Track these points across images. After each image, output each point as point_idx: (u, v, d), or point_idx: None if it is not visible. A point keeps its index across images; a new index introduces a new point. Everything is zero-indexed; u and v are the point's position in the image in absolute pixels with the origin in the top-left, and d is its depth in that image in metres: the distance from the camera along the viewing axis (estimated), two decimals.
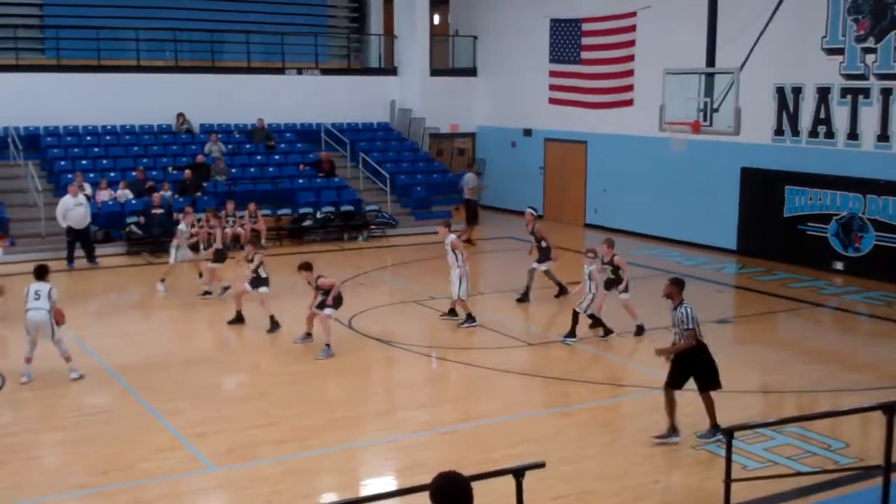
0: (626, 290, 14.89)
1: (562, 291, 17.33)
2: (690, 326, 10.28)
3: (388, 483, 9.69)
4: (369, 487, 9.63)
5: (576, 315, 14.52)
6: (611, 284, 14.92)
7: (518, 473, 6.15)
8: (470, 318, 15.51)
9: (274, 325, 15.09)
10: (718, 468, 7.93)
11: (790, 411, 11.78)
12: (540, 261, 17.25)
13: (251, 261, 15.31)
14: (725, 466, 7.00)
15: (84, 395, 12.38)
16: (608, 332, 14.75)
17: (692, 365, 10.38)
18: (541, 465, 6.51)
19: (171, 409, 11.47)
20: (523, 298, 17.17)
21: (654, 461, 10.00)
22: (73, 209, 20.24)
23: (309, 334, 14.42)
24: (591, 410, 11.67)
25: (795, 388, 12.49)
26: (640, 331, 14.88)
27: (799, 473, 9.49)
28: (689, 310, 10.36)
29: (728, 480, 6.96)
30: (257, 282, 15.29)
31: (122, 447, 10.34)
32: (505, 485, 6.21)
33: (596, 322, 14.81)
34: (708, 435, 10.39)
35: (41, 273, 12.61)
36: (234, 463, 9.93)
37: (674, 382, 10.46)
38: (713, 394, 10.44)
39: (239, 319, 15.51)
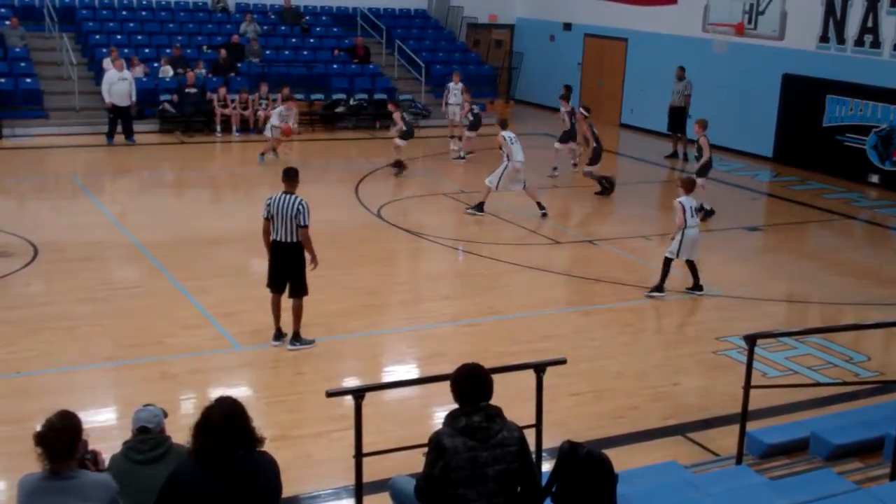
0: (701, 172, 15.39)
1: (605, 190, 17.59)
2: (305, 223, 9.47)
3: (409, 371, 9.86)
4: (391, 374, 9.80)
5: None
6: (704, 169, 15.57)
7: (539, 369, 6.22)
8: (479, 206, 15.73)
9: (400, 168, 18.07)
10: (738, 374, 7.97)
11: (814, 322, 11.77)
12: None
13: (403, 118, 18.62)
14: (745, 373, 7.02)
15: (115, 269, 12.59)
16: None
17: (290, 267, 9.75)
18: (562, 362, 6.57)
19: (200, 288, 11.62)
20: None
21: (674, 363, 10.08)
22: (117, 83, 20.23)
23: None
24: (614, 311, 11.71)
25: (821, 299, 12.46)
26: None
27: (818, 384, 9.53)
28: (302, 204, 9.45)
29: (747, 387, 7.00)
30: (406, 135, 18.29)
31: (151, 322, 10.53)
32: (525, 379, 6.29)
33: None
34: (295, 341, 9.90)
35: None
36: (259, 343, 10.11)
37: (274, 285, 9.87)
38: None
39: (399, 166, 18.22)
